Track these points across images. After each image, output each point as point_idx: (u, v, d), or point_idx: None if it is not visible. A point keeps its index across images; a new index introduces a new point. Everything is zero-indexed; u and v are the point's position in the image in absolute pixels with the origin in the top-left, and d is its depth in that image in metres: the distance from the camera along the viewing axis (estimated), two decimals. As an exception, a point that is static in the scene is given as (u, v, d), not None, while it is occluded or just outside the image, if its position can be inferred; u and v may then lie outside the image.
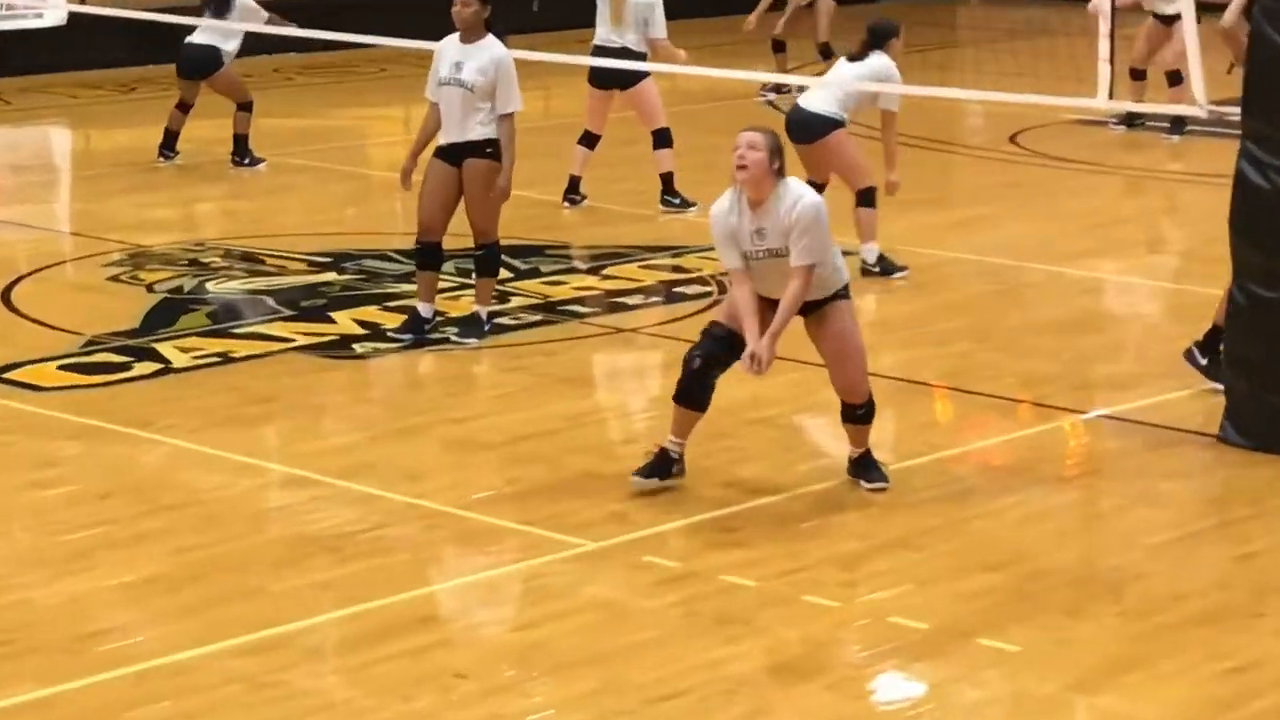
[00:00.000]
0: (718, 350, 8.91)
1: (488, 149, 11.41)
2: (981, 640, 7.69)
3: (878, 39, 12.89)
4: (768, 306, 8.89)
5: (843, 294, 9.04)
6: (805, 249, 8.70)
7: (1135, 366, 11.10)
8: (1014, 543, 8.70)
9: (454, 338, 11.56)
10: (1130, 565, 8.50)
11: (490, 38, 11.49)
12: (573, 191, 15.22)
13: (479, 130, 11.41)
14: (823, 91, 13.01)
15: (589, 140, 15.21)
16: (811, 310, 8.96)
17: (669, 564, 8.39)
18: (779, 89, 19.66)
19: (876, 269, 13.00)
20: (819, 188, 13.06)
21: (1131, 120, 18.20)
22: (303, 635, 7.73)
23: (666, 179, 15.22)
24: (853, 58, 12.96)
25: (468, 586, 8.26)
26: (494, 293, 11.87)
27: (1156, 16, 18.03)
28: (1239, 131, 9.78)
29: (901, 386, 10.94)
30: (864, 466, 9.20)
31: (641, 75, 14.76)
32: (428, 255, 11.59)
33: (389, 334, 11.57)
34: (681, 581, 8.22)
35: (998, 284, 13.10)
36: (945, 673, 7.47)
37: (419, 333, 11.50)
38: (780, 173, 8.80)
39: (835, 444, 9.87)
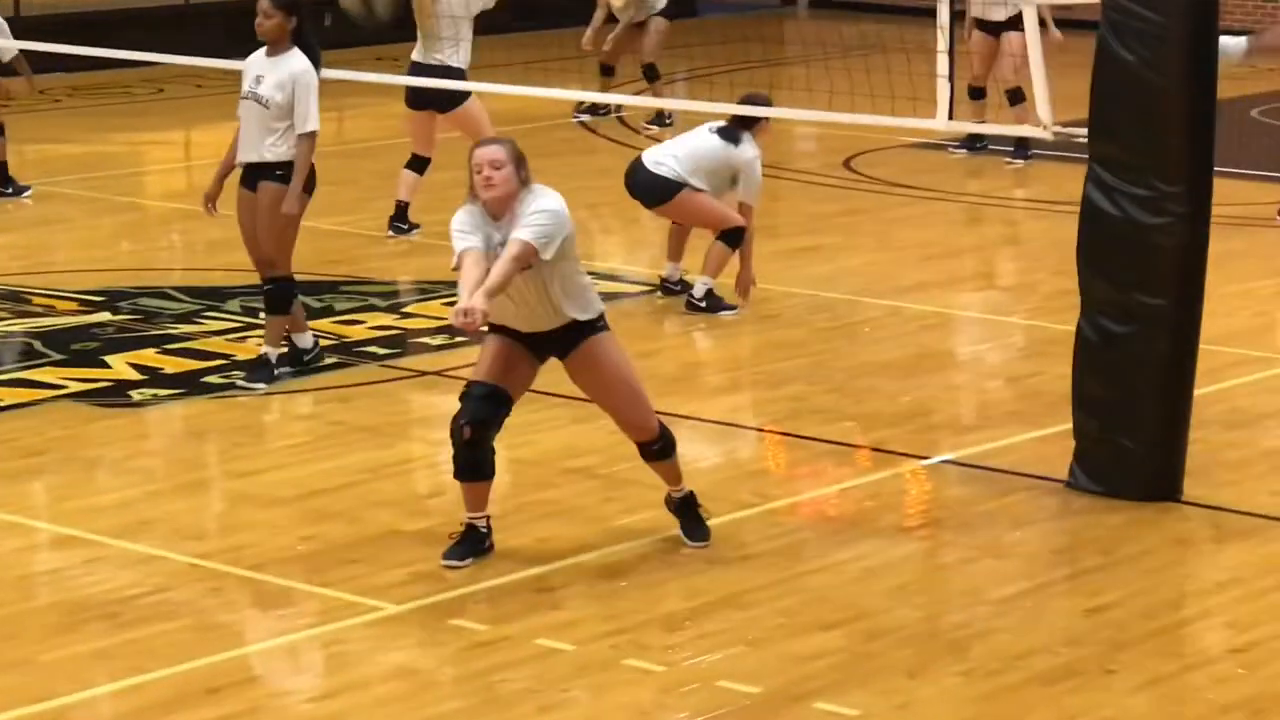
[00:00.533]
0: (484, 412, 8.84)
1: (278, 171, 11.36)
2: (818, 704, 7.73)
3: (749, 121, 13.03)
4: (514, 342, 8.93)
5: (600, 325, 9.00)
6: (530, 226, 8.58)
7: (979, 408, 11.24)
8: (851, 599, 8.76)
9: (240, 382, 11.51)
10: (975, 621, 8.58)
11: (295, 51, 11.42)
12: (400, 220, 15.16)
13: (274, 151, 11.34)
14: (672, 154, 13.10)
15: (417, 164, 15.15)
16: (569, 346, 8.95)
17: (478, 628, 8.39)
18: (595, 109, 19.76)
19: (703, 304, 13.10)
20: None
21: (973, 143, 18.35)
22: (77, 710, 7.67)
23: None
24: (720, 132, 13.06)
25: (259, 654, 8.21)
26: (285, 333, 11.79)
27: (981, 25, 18.00)
28: (1086, 155, 9.93)
29: (729, 431, 11.02)
30: (686, 514, 9.25)
31: (463, 97, 14.75)
32: (276, 294, 11.53)
33: (238, 384, 11.53)
34: (491, 647, 8.22)
35: (832, 320, 13.20)
36: (777, 741, 7.55)
37: (268, 379, 11.48)
38: (525, 182, 8.76)
39: (657, 494, 9.92)
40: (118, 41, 15.91)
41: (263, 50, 11.52)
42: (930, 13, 11.27)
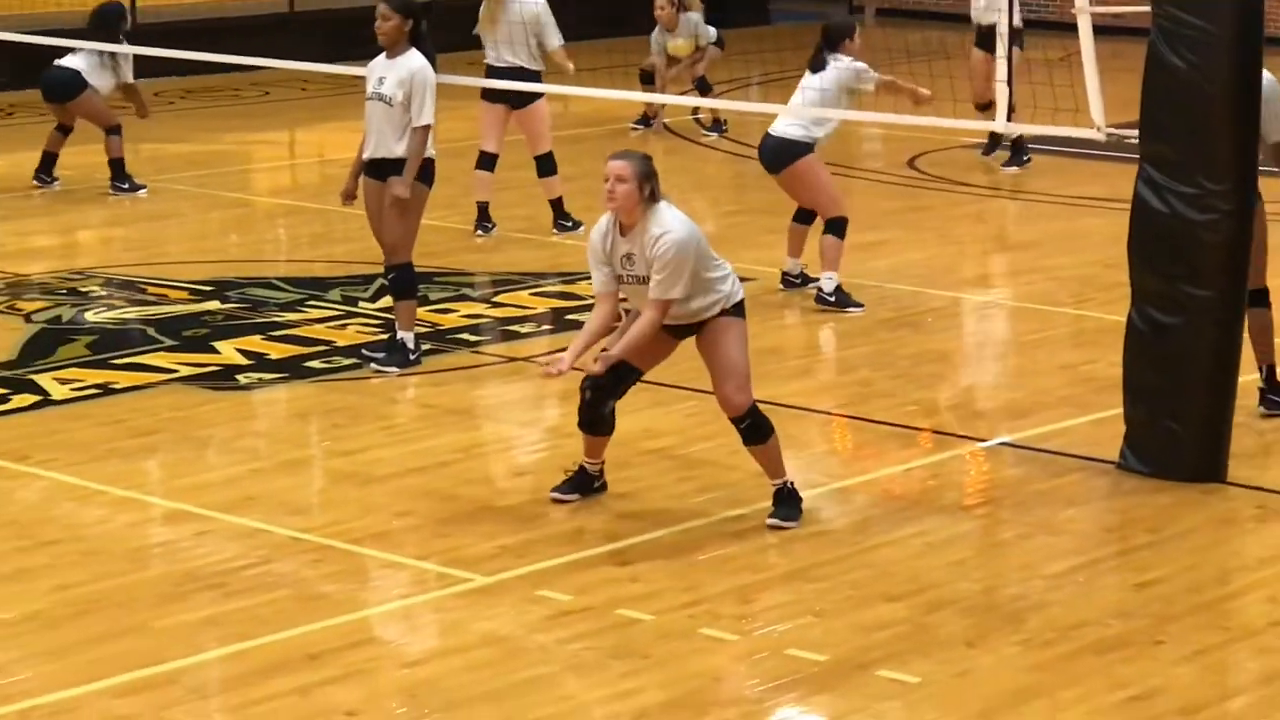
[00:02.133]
0: (605, 379, 9.00)
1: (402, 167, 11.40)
2: (881, 672, 7.72)
3: (833, 41, 13.02)
4: (664, 329, 9.03)
5: (732, 312, 9.07)
6: (660, 284, 8.77)
7: (1035, 393, 11.18)
8: (914, 573, 8.75)
9: (376, 365, 11.54)
10: (1030, 594, 8.56)
11: (413, 51, 11.44)
12: (484, 219, 15.17)
13: (401, 146, 11.36)
14: (790, 118, 13.01)
15: (487, 162, 15.15)
16: (700, 329, 9.06)
17: (563, 598, 8.39)
18: (645, 121, 19.70)
19: (832, 299, 13.01)
20: (808, 215, 13.16)
21: (998, 145, 18.04)
22: (186, 673, 7.69)
23: (557, 204, 15.25)
24: (814, 68, 13.03)
25: (356, 622, 8.23)
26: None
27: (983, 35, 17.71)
28: (1137, 155, 9.89)
29: (800, 415, 10.99)
30: (779, 499, 9.23)
31: (535, 96, 14.75)
32: (399, 281, 11.61)
33: (374, 366, 11.58)
34: (576, 616, 8.22)
35: (897, 310, 13.18)
36: (844, 706, 7.50)
37: (403, 362, 11.51)
38: (653, 197, 8.82)
39: (730, 474, 9.91)
40: (226, 47, 15.97)
41: (383, 54, 11.53)
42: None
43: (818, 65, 12.97)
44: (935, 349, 12.64)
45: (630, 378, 9.08)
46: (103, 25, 15.95)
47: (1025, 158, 17.67)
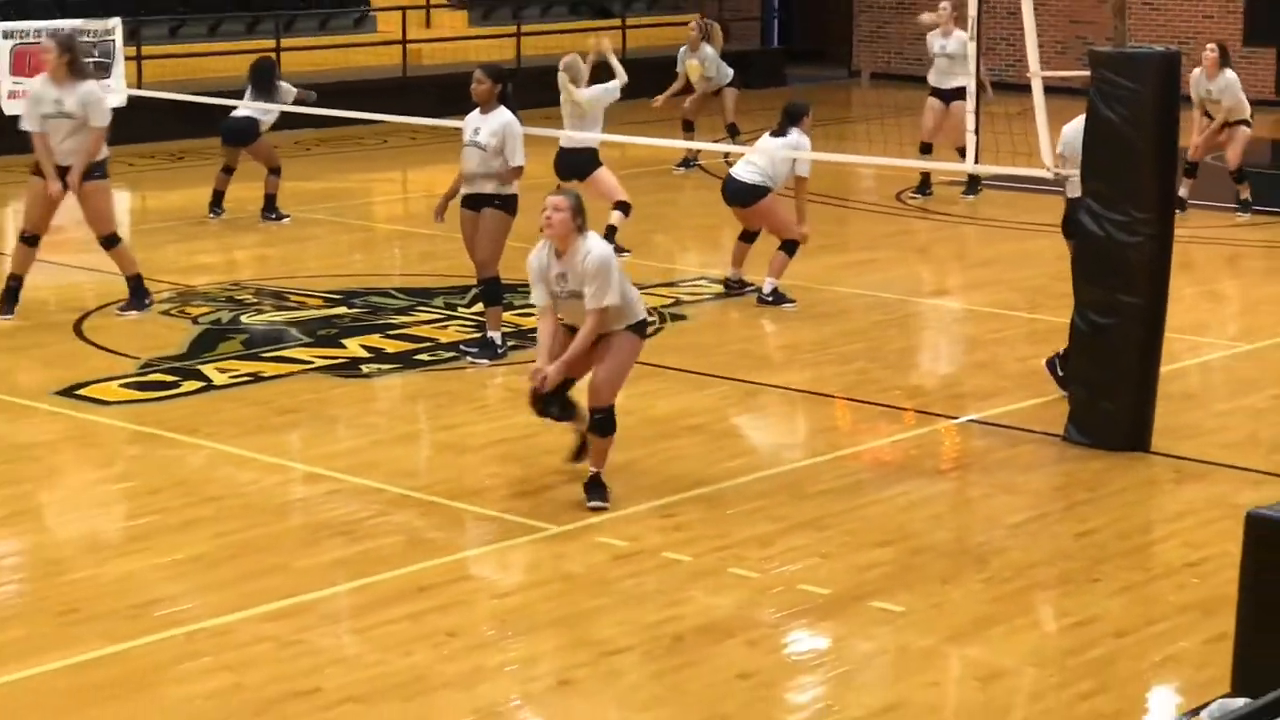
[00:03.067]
0: (552, 394, 8.78)
1: (495, 200, 11.40)
2: (873, 603, 7.73)
3: (793, 118, 12.91)
4: (568, 331, 8.81)
5: (634, 329, 8.85)
6: (595, 294, 8.56)
7: (996, 381, 11.14)
8: (899, 524, 8.73)
9: (470, 358, 11.53)
10: (992, 541, 8.55)
11: (502, 108, 11.46)
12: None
13: (491, 184, 11.39)
14: (751, 163, 12.93)
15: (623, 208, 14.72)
16: (602, 339, 8.75)
17: (620, 544, 8.40)
18: (686, 164, 19.30)
19: (770, 298, 12.95)
20: (752, 236, 13.13)
21: (927, 188, 17.79)
22: (321, 603, 7.75)
23: (610, 231, 15.16)
24: (774, 133, 12.94)
25: (456, 562, 8.25)
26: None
27: (935, 93, 17.71)
28: (1077, 189, 9.85)
29: (808, 397, 10.98)
30: (593, 485, 8.83)
31: (593, 168, 14.47)
32: (488, 290, 11.60)
33: (469, 358, 11.57)
34: (629, 558, 8.24)
35: (886, 314, 13.13)
36: (844, 630, 7.52)
37: (492, 356, 11.50)
38: (581, 229, 8.65)
39: (753, 445, 9.90)
40: (353, 105, 15.96)
41: (477, 110, 11.54)
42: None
43: (779, 133, 12.87)
44: (917, 345, 12.63)
45: (569, 384, 8.86)
46: (260, 78, 15.96)
47: (979, 189, 17.56)
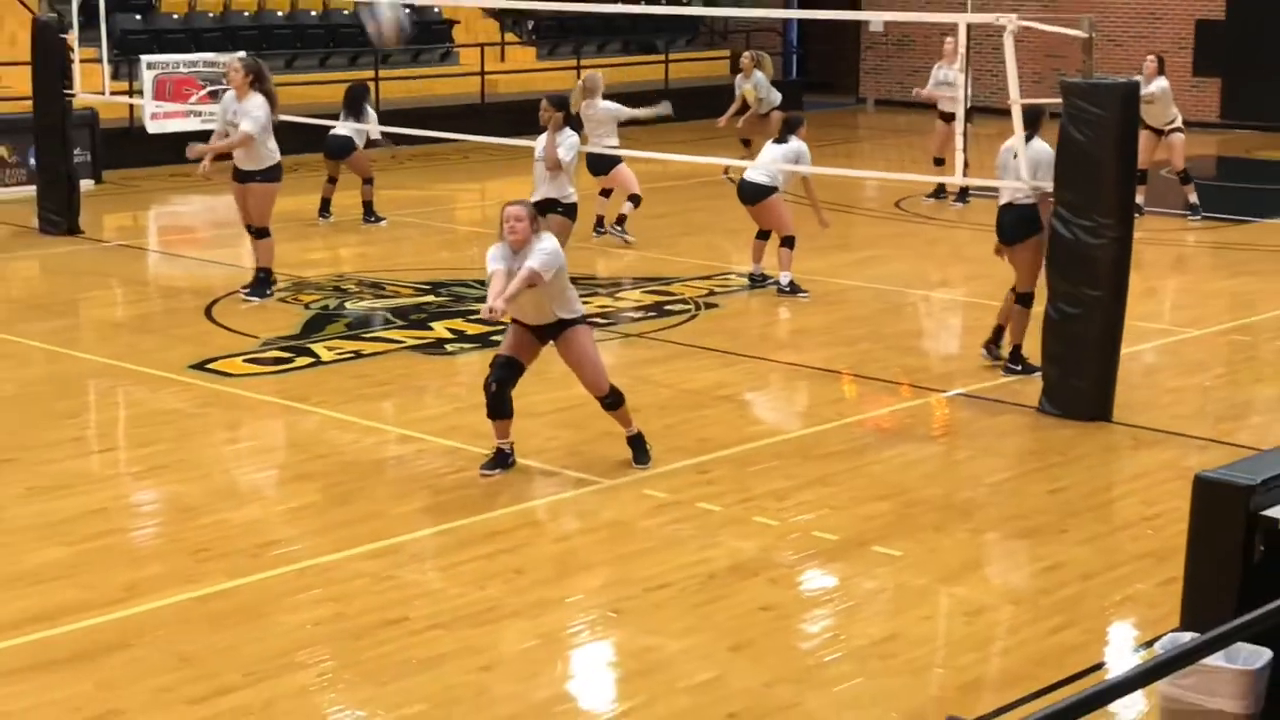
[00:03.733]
0: (504, 375, 8.55)
1: (560, 207, 11.82)
2: (875, 548, 7.71)
3: (792, 127, 12.90)
4: (525, 330, 8.57)
5: (578, 321, 8.59)
6: (540, 260, 8.19)
7: (979, 361, 11.06)
8: (897, 481, 8.70)
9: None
10: (976, 497, 8.52)
11: (566, 129, 11.95)
12: (618, 223, 15.05)
13: (550, 191, 11.99)
14: (759, 168, 12.92)
15: (634, 200, 14.90)
16: (558, 334, 8.55)
17: (660, 495, 8.38)
18: (726, 171, 19.24)
19: (788, 289, 12.89)
20: (766, 234, 13.12)
21: (943, 193, 17.76)
22: (409, 544, 7.76)
23: (621, 218, 15.07)
24: (776, 141, 12.93)
25: (523, 510, 8.25)
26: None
27: (941, 116, 17.52)
28: (1049, 198, 9.78)
29: (819, 373, 10.94)
30: (634, 446, 8.77)
31: (614, 163, 14.53)
32: None
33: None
34: (668, 507, 8.22)
35: (886, 303, 13.07)
36: (850, 570, 7.50)
37: None
38: (536, 231, 8.38)
39: (773, 414, 9.87)
40: (439, 126, 15.99)
41: (545, 133, 11.65)
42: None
43: (780, 140, 12.86)
44: (912, 329, 12.54)
45: (519, 371, 8.61)
46: (352, 102, 15.96)
47: (967, 198, 17.42)
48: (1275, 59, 23.49)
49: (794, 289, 12.94)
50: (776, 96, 19.08)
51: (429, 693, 6.24)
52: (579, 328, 8.62)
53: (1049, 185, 9.84)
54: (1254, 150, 22.23)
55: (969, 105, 10.96)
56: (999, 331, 10.80)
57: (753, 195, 12.91)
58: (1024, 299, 10.53)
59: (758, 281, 13.32)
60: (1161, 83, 16.39)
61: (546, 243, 8.40)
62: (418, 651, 6.56)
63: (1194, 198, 16.47)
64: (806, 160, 12.85)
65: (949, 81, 17.31)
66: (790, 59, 28.85)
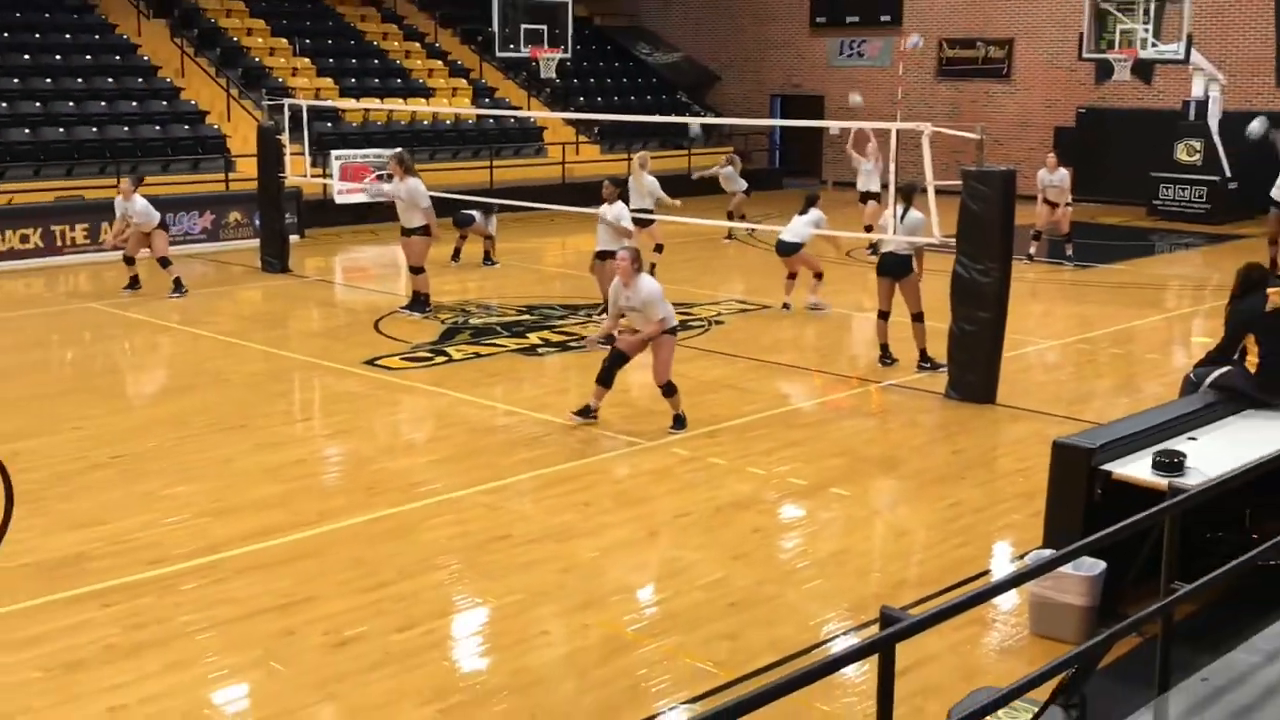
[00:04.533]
0: (617, 358, 8.65)
1: (614, 255, 11.46)
2: (832, 490, 7.68)
3: (811, 202, 13.04)
4: (631, 330, 8.67)
5: (670, 332, 8.53)
6: (647, 312, 8.40)
7: (907, 362, 10.99)
8: (846, 443, 8.65)
9: (588, 347, 11.52)
10: (903, 455, 8.46)
11: (619, 202, 11.82)
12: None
13: (615, 244, 11.40)
14: (790, 230, 13.01)
15: (658, 249, 14.65)
16: (653, 341, 8.58)
17: (684, 453, 8.37)
18: (729, 235, 19.12)
19: (817, 308, 13.00)
20: (793, 275, 13.18)
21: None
22: (512, 485, 7.76)
23: (651, 266, 14.91)
24: (801, 213, 13.01)
25: (592, 462, 8.24)
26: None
27: (863, 197, 17.21)
28: (954, 250, 9.72)
29: (796, 370, 10.89)
30: (676, 420, 8.75)
31: (651, 221, 14.41)
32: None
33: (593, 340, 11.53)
34: (688, 461, 8.21)
35: (842, 323, 12.97)
36: (814, 505, 7.47)
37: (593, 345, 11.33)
38: (639, 270, 8.42)
39: (762, 398, 9.80)
40: (532, 199, 15.96)
41: (604, 204, 11.70)
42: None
43: (803, 211, 12.92)
44: (858, 340, 12.46)
45: (624, 361, 8.64)
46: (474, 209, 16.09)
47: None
48: (1108, 153, 23.44)
49: (819, 307, 13.09)
50: (743, 184, 18.86)
51: (525, 586, 6.26)
52: (666, 336, 8.59)
53: (921, 241, 9.88)
54: (1096, 216, 22.02)
55: (883, 185, 10.94)
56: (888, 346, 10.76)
57: (787, 250, 13.01)
58: (918, 317, 10.53)
59: (788, 308, 13.23)
60: (1063, 173, 16.33)
61: (647, 285, 8.40)
62: (517, 558, 6.59)
63: (1070, 251, 16.53)
64: (824, 223, 12.98)
65: (866, 171, 17.36)
66: (775, 152, 28.75)
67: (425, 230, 12.66)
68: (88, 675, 5.40)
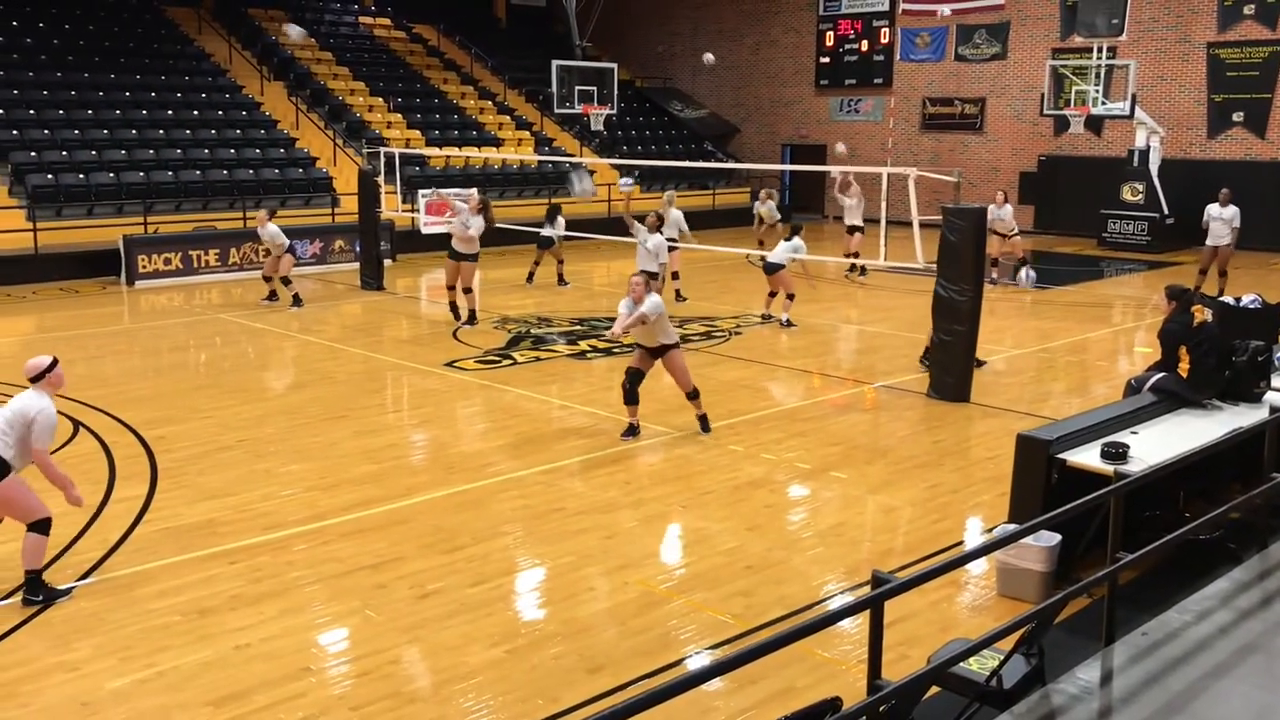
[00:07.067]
0: (633, 378, 8.37)
1: (653, 274, 11.64)
2: (831, 473, 7.64)
3: (796, 230, 12.96)
4: (645, 351, 8.23)
5: (676, 345, 8.21)
6: (647, 307, 8.01)
7: (892, 366, 10.92)
8: (844, 434, 8.60)
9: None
10: (891, 445, 8.40)
11: (659, 234, 12.14)
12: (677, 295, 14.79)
13: (655, 266, 11.78)
14: (776, 252, 12.88)
15: (675, 276, 14.47)
16: (663, 353, 8.22)
17: (707, 441, 8.34)
18: (749, 258, 18.97)
19: (785, 324, 12.82)
20: (774, 293, 13.09)
21: (862, 271, 17.08)
22: (565, 466, 7.77)
23: (676, 292, 14.78)
24: (786, 239, 12.90)
25: (636, 448, 8.24)
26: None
27: (849, 230, 16.79)
28: (935, 273, 9.65)
29: (801, 373, 10.83)
30: (701, 421, 8.49)
31: (673, 250, 14.09)
32: None
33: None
34: (712, 447, 8.19)
35: (839, 333, 12.90)
36: (816, 486, 7.43)
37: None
38: (649, 290, 8.18)
39: (773, 396, 9.76)
40: (587, 230, 15.94)
41: (644, 230, 11.67)
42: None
43: (789, 239, 12.86)
44: (853, 348, 12.38)
45: (641, 378, 8.25)
46: (551, 214, 16.08)
47: (865, 273, 16.93)
48: (1064, 194, 23.26)
49: (789, 323, 12.88)
50: (777, 214, 19.04)
51: (575, 549, 6.27)
52: (675, 350, 8.48)
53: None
54: (1054, 246, 21.78)
55: (864, 219, 10.83)
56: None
57: (771, 270, 12.91)
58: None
59: (766, 319, 13.24)
60: (1008, 208, 16.29)
61: (654, 297, 8.37)
62: (570, 527, 6.60)
63: (1023, 273, 16.34)
64: (803, 250, 12.88)
65: (849, 207, 17.19)
66: (785, 192, 28.69)
67: (476, 257, 12.90)
68: (217, 619, 5.49)
